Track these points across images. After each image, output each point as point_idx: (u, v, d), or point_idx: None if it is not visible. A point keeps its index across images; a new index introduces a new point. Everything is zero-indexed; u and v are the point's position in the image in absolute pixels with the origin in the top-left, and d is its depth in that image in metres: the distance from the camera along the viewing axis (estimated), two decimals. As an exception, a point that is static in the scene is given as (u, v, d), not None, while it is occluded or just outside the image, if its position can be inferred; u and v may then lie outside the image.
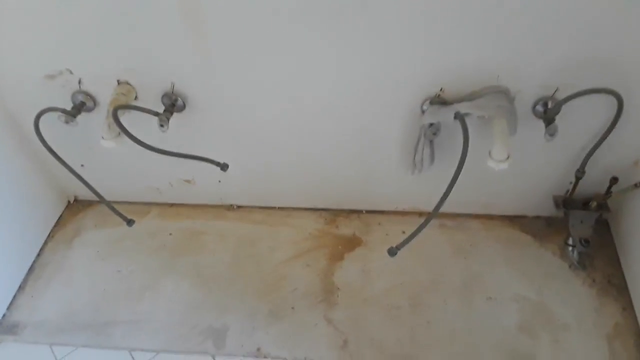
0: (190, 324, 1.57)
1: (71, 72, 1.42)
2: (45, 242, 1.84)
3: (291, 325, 1.55)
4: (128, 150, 1.47)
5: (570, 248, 1.63)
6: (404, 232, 1.77)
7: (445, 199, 1.28)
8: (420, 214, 1.83)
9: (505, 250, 1.70)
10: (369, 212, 1.86)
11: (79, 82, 1.45)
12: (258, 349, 1.51)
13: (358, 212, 1.87)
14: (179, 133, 1.54)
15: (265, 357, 1.50)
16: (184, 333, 1.56)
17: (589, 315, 1.52)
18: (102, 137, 1.41)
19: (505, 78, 1.31)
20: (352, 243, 1.77)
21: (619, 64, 1.25)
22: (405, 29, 1.23)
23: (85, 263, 1.77)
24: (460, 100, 1.35)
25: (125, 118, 1.42)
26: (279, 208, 1.89)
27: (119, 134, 1.39)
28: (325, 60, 1.33)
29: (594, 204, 1.57)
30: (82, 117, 1.48)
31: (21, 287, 1.71)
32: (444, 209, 1.74)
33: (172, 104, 1.44)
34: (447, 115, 1.32)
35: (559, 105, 1.30)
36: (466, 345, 1.49)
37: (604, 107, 1.35)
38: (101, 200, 1.49)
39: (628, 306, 1.53)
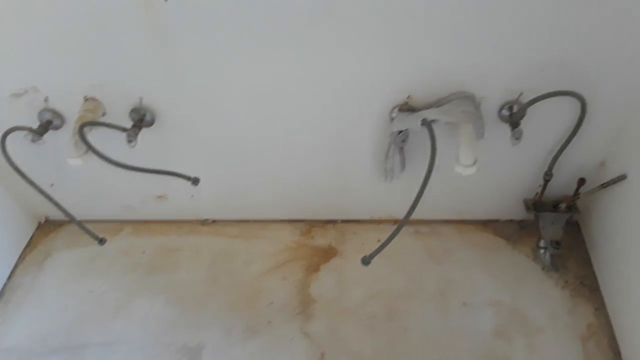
0: (165, 343, 1.55)
1: (37, 90, 1.41)
2: (16, 265, 1.80)
3: (268, 340, 1.53)
4: (98, 168, 1.46)
5: (542, 250, 1.65)
6: (379, 241, 1.74)
7: (415, 206, 1.30)
8: (396, 221, 1.83)
9: (479, 255, 1.71)
10: (344, 221, 1.87)
11: (45, 99, 1.43)
12: (235, 366, 1.49)
13: (334, 222, 1.87)
14: (149, 148, 1.53)
15: (241, 373, 1.48)
16: (158, 353, 1.53)
17: (563, 317, 1.53)
18: (69, 155, 1.39)
19: (471, 84, 1.33)
20: (328, 254, 1.76)
21: (580, 67, 1.28)
22: (372, 39, 1.25)
23: (57, 284, 1.73)
24: (428, 107, 1.36)
25: (94, 135, 1.41)
26: (254, 221, 1.88)
27: (86, 151, 1.37)
28: (294, 72, 1.34)
29: (563, 205, 1.59)
30: (49, 136, 1.46)
31: (-9, 313, 1.67)
32: (418, 215, 1.76)
33: (141, 119, 1.43)
34: (415, 122, 1.33)
35: (523, 108, 1.32)
36: (443, 351, 1.49)
37: (568, 109, 1.38)
38: (71, 219, 1.46)
39: (600, 306, 1.55)
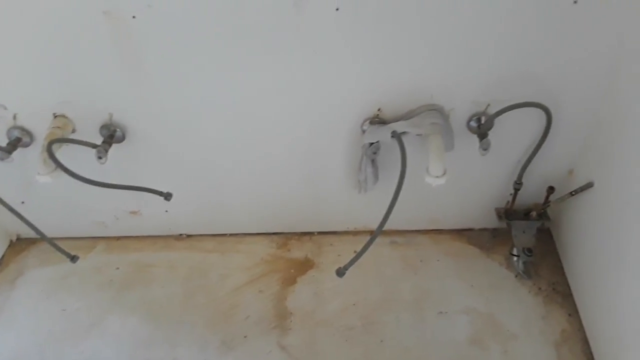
0: (140, 360, 1.53)
1: (5, 108, 1.39)
2: (-13, 285, 1.77)
3: (244, 354, 1.52)
4: (68, 185, 1.43)
5: (515, 258, 1.67)
6: (355, 252, 1.75)
7: (388, 217, 1.31)
8: (372, 232, 1.82)
9: (454, 264, 1.72)
10: (320, 233, 1.87)
11: (14, 117, 1.42)
12: (211, 381, 1.48)
13: (310, 234, 1.87)
14: (120, 164, 1.52)
15: (218, 389, 1.47)
16: (133, 370, 1.51)
17: (537, 323, 1.55)
18: (38, 173, 1.37)
19: (439, 96, 1.36)
20: (305, 266, 1.76)
21: (545, 80, 1.32)
22: (342, 53, 1.27)
23: (29, 303, 1.70)
24: (398, 119, 1.38)
25: (64, 152, 1.39)
26: (230, 235, 1.87)
27: (55, 168, 1.36)
28: (266, 86, 1.34)
29: (534, 213, 1.62)
30: (19, 153, 1.45)
31: (-40, 334, 1.63)
32: (393, 226, 1.79)
33: (111, 135, 1.42)
34: (385, 134, 1.35)
35: (491, 120, 1.35)
36: (419, 361, 1.50)
37: (535, 120, 1.41)
38: (42, 237, 1.44)
39: (573, 312, 1.57)
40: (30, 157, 1.48)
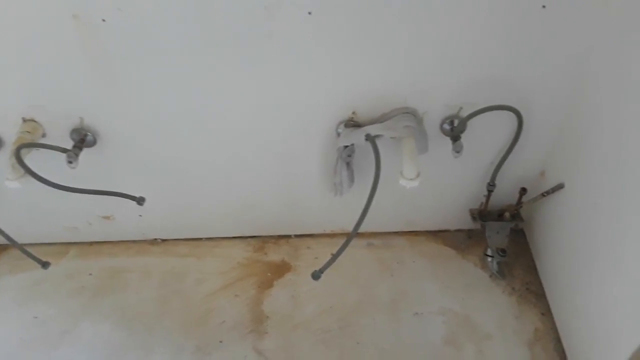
0: (114, 367, 1.51)
1: (-28, 113, 1.36)
2: (-44, 293, 1.72)
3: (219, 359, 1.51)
4: (39, 190, 1.40)
5: (489, 258, 1.69)
6: (332, 255, 1.77)
7: (362, 220, 1.31)
8: (349, 234, 1.84)
9: (430, 265, 1.74)
10: (297, 236, 1.86)
11: (-19, 122, 1.39)
12: (186, 387, 1.46)
13: (287, 237, 1.86)
14: (92, 168, 1.49)
15: (193, 395, 1.45)
16: (106, 377, 1.49)
17: (510, 323, 1.57)
18: (7, 178, 1.34)
19: (413, 100, 1.37)
20: (282, 269, 1.76)
21: (516, 83, 1.34)
22: (316, 57, 1.27)
23: (0, 311, 1.66)
24: (372, 122, 1.39)
25: (34, 156, 1.37)
26: (206, 239, 1.85)
27: (24, 174, 1.33)
28: (239, 89, 1.34)
29: (507, 214, 1.64)
30: (-13, 158, 1.42)
31: None
32: (370, 228, 1.80)
33: (82, 140, 1.40)
34: (359, 137, 1.35)
35: (463, 122, 1.36)
36: (395, 362, 1.50)
37: (506, 123, 1.43)
38: (12, 243, 1.41)
39: (546, 311, 1.59)
40: (-1, 162, 1.45)
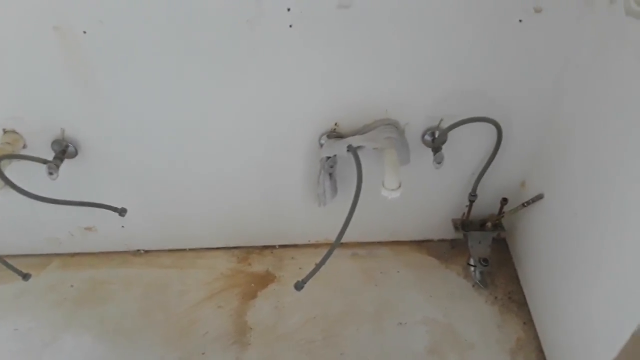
0: (95, 380, 1.49)
1: (-48, 123, 1.35)
2: None
3: (202, 371, 1.51)
4: (20, 201, 1.39)
5: (472, 268, 1.70)
6: (316, 264, 1.78)
7: (345, 230, 1.32)
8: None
9: (414, 275, 1.74)
10: (282, 246, 1.86)
11: (-39, 133, 1.37)
12: (168, 400, 1.45)
13: (271, 247, 1.86)
14: (73, 180, 1.49)
15: (175, 407, 1.44)
16: (87, 391, 1.47)
17: (493, 332, 1.58)
18: (-14, 190, 1.33)
19: (394, 111, 1.39)
20: (266, 280, 1.75)
21: (495, 95, 1.37)
22: (298, 68, 1.27)
23: (-22, 324, 1.64)
24: (354, 133, 1.40)
25: (15, 168, 1.35)
26: (189, 250, 1.84)
27: (4, 185, 1.32)
28: (221, 100, 1.34)
29: (489, 224, 1.66)
30: (-34, 169, 1.40)
31: None
32: (354, 238, 1.80)
33: (63, 151, 1.39)
34: (341, 148, 1.36)
35: (444, 133, 1.38)
36: (379, 373, 1.50)
37: (487, 134, 1.45)
38: (-9, 255, 1.40)
39: (528, 320, 1.61)
40: (-21, 173, 1.43)
